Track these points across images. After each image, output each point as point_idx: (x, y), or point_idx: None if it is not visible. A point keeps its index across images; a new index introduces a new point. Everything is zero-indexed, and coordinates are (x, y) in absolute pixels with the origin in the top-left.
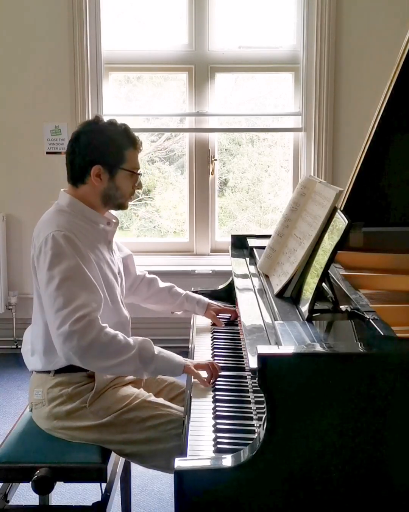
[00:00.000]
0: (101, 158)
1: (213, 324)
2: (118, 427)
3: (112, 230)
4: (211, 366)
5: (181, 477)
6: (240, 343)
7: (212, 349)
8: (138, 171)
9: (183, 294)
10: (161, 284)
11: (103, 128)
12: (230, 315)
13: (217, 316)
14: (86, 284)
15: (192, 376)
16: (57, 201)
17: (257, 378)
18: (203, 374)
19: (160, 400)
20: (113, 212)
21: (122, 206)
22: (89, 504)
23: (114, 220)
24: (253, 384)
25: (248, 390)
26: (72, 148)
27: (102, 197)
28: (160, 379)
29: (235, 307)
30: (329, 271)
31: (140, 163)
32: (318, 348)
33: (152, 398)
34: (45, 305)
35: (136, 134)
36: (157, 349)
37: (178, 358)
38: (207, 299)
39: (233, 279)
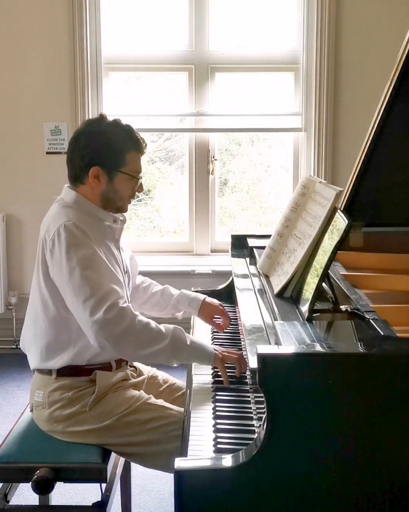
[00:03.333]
0: (101, 159)
1: None
2: (119, 430)
3: (120, 228)
4: (240, 359)
5: (181, 477)
6: (240, 342)
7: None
8: (140, 175)
9: (176, 294)
10: (156, 287)
11: (105, 128)
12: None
13: (214, 319)
14: (107, 272)
15: (219, 369)
16: (60, 196)
17: (256, 378)
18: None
19: (160, 401)
20: None
21: (121, 209)
22: (89, 504)
23: (121, 218)
24: (253, 384)
25: (248, 390)
26: (72, 147)
27: (101, 199)
28: (161, 381)
29: (235, 314)
30: (329, 271)
31: (142, 164)
32: (318, 348)
33: (152, 400)
34: (69, 296)
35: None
36: (189, 339)
37: (210, 348)
38: (201, 297)
39: (233, 279)
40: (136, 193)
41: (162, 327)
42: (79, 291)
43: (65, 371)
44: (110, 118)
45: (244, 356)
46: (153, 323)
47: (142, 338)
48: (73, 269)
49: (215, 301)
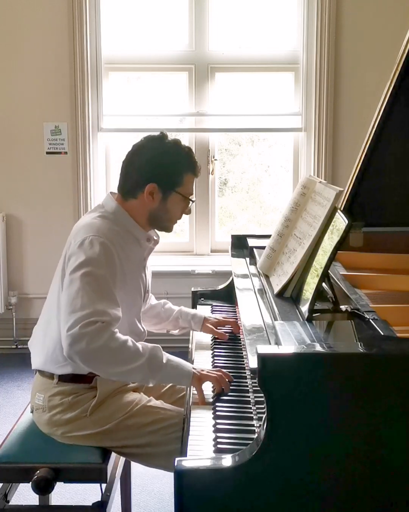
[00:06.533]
0: (159, 177)
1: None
2: (119, 434)
3: (150, 248)
4: (219, 378)
5: (181, 476)
6: (240, 343)
7: (212, 349)
8: (192, 198)
9: (177, 309)
10: (154, 299)
11: (168, 147)
12: (231, 328)
13: (218, 329)
14: (109, 297)
15: (196, 389)
16: (101, 203)
17: (257, 378)
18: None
19: (160, 403)
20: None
21: (166, 229)
22: (89, 504)
23: (155, 238)
24: (253, 384)
25: (248, 390)
26: (131, 160)
27: (149, 216)
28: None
29: (235, 314)
30: (329, 271)
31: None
32: (318, 348)
33: (153, 402)
34: (62, 304)
35: (135, 134)
36: (166, 357)
37: (188, 367)
38: (203, 313)
39: (233, 279)
40: (185, 214)
41: (139, 345)
42: (70, 302)
43: (67, 378)
44: (171, 137)
45: (227, 373)
46: (130, 341)
47: (117, 356)
48: (75, 279)
49: (213, 316)
